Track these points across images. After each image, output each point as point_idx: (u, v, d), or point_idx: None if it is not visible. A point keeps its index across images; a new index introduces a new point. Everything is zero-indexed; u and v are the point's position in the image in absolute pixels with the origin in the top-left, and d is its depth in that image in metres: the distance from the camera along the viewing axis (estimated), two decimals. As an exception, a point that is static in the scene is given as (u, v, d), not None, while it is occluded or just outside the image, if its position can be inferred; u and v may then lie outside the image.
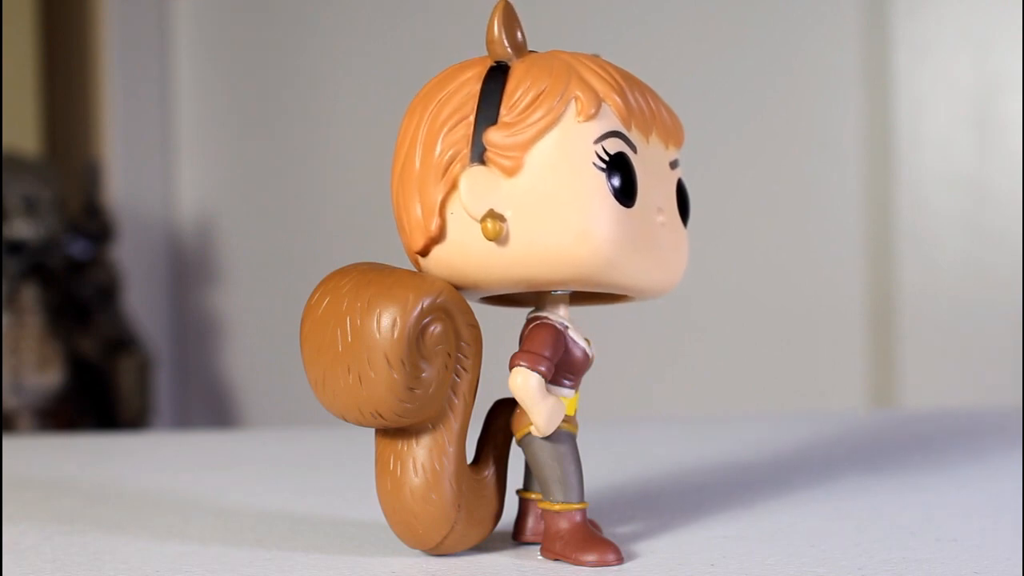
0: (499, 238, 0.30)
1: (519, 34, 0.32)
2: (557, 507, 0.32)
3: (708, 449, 0.51)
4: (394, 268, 0.31)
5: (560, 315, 0.32)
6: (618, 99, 0.31)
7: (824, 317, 1.22)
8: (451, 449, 0.31)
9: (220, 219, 1.47)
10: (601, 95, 0.30)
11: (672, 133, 0.32)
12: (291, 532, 0.36)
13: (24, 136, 1.41)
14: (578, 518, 0.32)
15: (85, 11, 1.44)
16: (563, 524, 0.32)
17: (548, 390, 0.31)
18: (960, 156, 1.17)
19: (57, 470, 0.50)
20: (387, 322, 0.29)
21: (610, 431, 0.54)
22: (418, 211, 0.31)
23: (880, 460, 0.49)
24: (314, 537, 0.36)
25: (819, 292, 1.22)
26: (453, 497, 0.31)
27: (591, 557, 0.31)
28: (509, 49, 0.31)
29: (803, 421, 0.61)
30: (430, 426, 0.31)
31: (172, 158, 1.48)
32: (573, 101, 0.30)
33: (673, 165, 0.32)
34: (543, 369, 0.31)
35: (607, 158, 0.30)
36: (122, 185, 1.43)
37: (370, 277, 0.30)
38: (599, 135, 0.30)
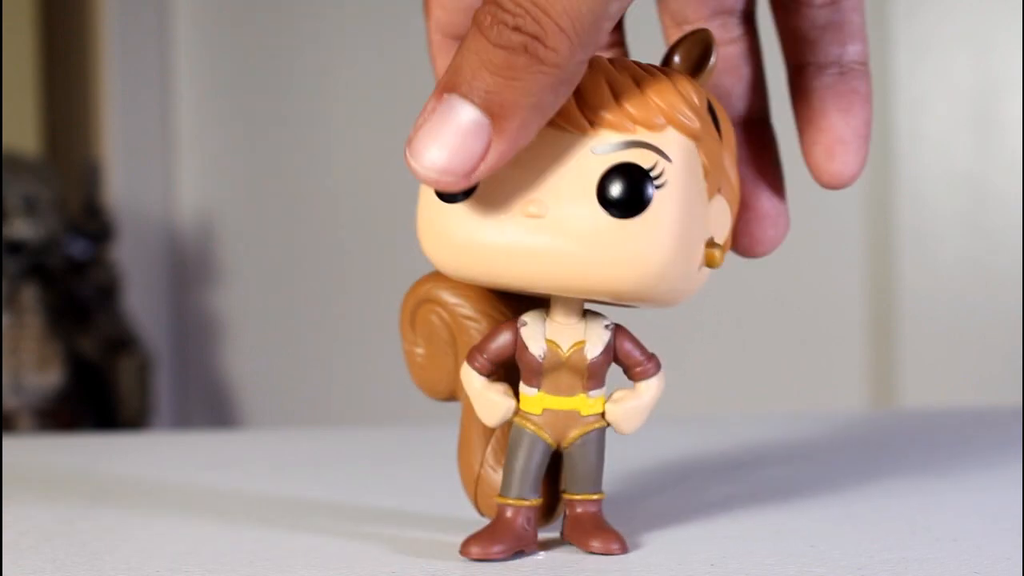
0: None
1: None
2: (508, 500, 0.33)
3: (708, 449, 0.51)
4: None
5: (528, 314, 0.32)
6: None
7: (824, 317, 1.22)
8: (472, 427, 0.34)
9: (220, 219, 1.48)
10: None
11: (595, 116, 0.30)
12: (291, 531, 0.36)
13: (24, 136, 1.41)
14: (508, 513, 0.32)
15: (85, 11, 1.44)
16: (502, 515, 0.33)
17: (486, 384, 0.32)
18: (960, 156, 1.17)
19: (57, 470, 0.50)
20: (401, 303, 0.35)
21: (610, 431, 0.54)
22: None
23: (880, 460, 0.49)
24: (314, 536, 0.36)
25: (819, 292, 1.22)
26: (473, 469, 0.34)
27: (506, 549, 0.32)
28: None
29: (803, 421, 0.61)
30: (462, 403, 0.35)
31: (172, 158, 1.48)
32: None
33: (601, 151, 0.30)
34: (476, 365, 0.32)
35: None
36: (122, 185, 1.43)
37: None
38: None
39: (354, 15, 1.38)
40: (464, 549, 0.32)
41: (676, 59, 0.32)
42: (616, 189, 0.29)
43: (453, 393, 0.35)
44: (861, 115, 0.35)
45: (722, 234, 0.32)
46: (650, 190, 0.30)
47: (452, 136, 0.29)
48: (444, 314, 0.34)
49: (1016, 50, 1.13)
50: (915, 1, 1.17)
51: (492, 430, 0.34)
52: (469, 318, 0.34)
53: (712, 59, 0.32)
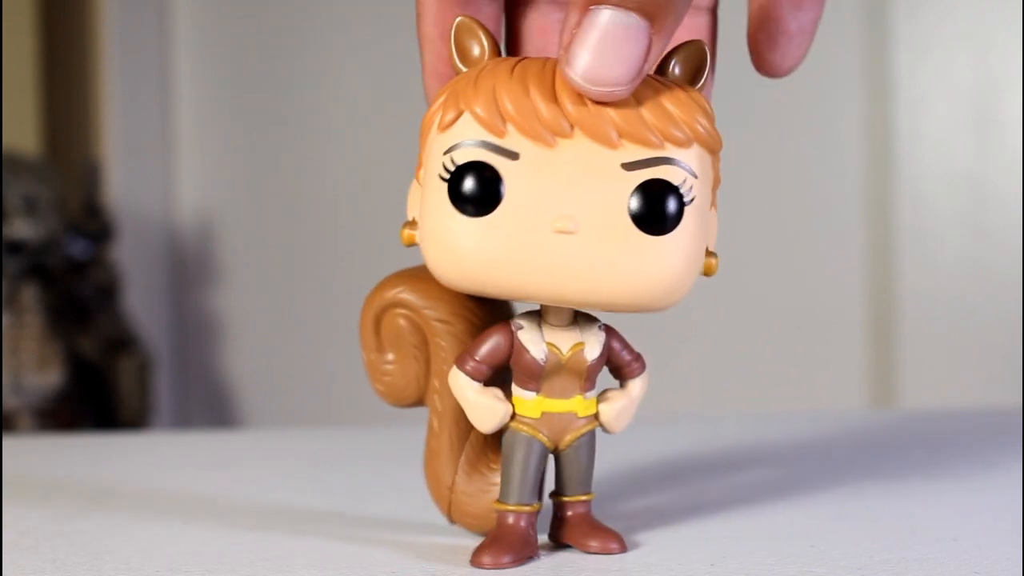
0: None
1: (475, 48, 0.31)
2: (509, 507, 0.32)
3: (707, 448, 0.52)
4: (411, 268, 0.34)
5: (520, 317, 0.32)
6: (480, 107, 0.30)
7: (824, 317, 1.22)
8: (444, 434, 0.34)
9: (220, 219, 1.48)
10: (460, 103, 0.30)
11: (623, 130, 0.30)
12: (291, 532, 0.36)
13: (24, 136, 1.41)
14: (510, 520, 0.32)
15: (85, 11, 1.44)
16: (503, 522, 0.32)
17: (481, 390, 0.32)
18: (960, 156, 1.17)
19: (57, 470, 0.50)
20: (361, 311, 0.34)
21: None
22: None
23: (880, 460, 0.49)
24: (314, 537, 0.36)
25: (819, 292, 1.22)
26: (445, 477, 0.34)
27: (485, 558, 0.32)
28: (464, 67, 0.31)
29: (803, 421, 0.61)
30: (429, 409, 0.34)
31: (172, 158, 1.48)
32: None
33: (631, 166, 0.30)
34: (468, 368, 0.32)
35: (452, 169, 0.30)
36: (122, 185, 1.43)
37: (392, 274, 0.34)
38: (448, 146, 0.30)
39: (354, 15, 1.38)
40: (475, 560, 0.32)
41: (676, 70, 0.31)
42: (650, 206, 0.30)
43: (420, 399, 0.34)
44: (812, 11, 0.35)
45: (714, 242, 0.32)
46: (681, 206, 0.30)
47: (618, 45, 0.29)
48: (414, 316, 0.33)
49: (1016, 50, 1.13)
50: (915, 1, 1.17)
51: (464, 437, 0.33)
52: (442, 320, 0.33)
53: (707, 70, 0.32)
